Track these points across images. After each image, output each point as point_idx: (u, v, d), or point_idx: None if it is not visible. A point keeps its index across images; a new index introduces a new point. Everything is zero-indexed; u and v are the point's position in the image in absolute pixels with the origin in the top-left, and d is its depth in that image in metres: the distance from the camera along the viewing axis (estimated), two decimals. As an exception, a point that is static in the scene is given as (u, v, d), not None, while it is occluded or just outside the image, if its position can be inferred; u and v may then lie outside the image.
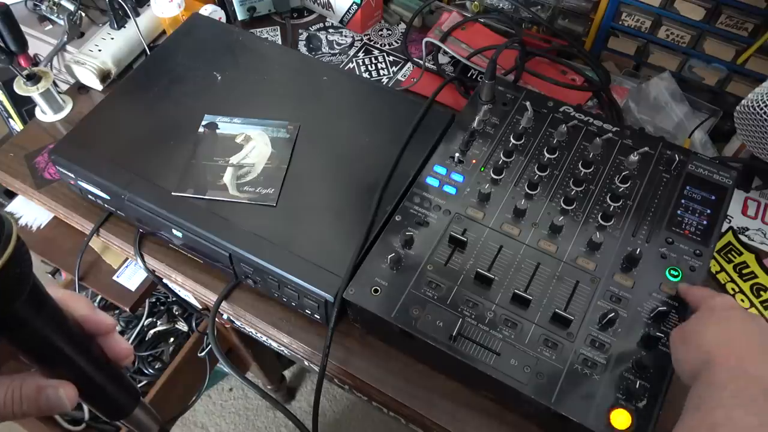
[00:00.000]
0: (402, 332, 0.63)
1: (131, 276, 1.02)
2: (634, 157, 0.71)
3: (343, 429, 1.70)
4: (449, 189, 0.72)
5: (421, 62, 0.98)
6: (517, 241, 0.67)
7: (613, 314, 0.60)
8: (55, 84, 0.94)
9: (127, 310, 1.01)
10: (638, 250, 0.64)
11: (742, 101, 0.63)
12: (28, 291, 0.33)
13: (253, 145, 0.78)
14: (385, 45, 1.04)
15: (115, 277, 1.01)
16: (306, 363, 0.80)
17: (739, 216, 0.84)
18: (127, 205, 0.76)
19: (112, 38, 0.98)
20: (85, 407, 1.35)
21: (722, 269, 0.79)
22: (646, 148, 0.71)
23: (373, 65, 1.01)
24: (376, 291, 0.64)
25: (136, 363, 1.38)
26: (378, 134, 0.79)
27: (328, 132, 0.80)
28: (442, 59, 0.99)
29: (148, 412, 0.43)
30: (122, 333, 1.38)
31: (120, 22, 0.99)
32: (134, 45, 1.00)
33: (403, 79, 0.99)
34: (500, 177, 0.72)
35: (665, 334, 0.60)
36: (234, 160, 0.77)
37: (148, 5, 1.01)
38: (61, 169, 0.80)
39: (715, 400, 0.46)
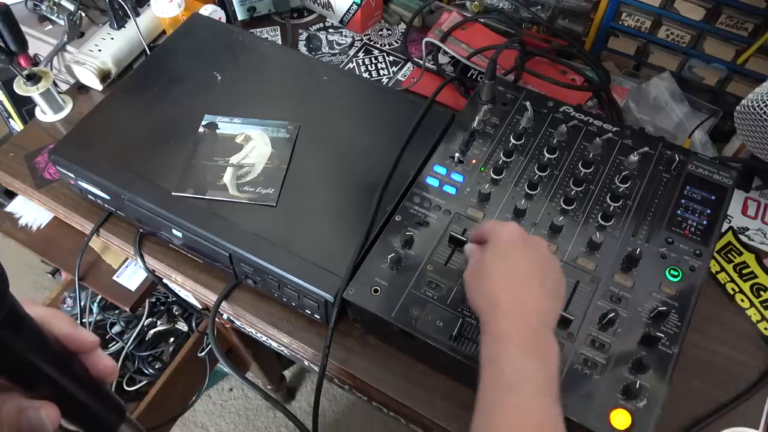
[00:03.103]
0: (402, 332, 0.63)
1: (131, 276, 1.02)
2: (634, 157, 0.71)
3: (343, 429, 1.70)
4: (449, 189, 0.72)
5: (421, 62, 0.98)
6: (517, 241, 0.67)
7: (613, 314, 0.60)
8: (55, 84, 0.94)
9: (127, 310, 1.01)
10: (638, 250, 0.64)
11: (742, 101, 0.63)
12: (5, 312, 0.32)
13: (253, 145, 0.78)
14: (385, 45, 1.04)
15: (115, 277, 1.01)
16: (306, 363, 0.80)
17: (739, 216, 0.84)
18: (127, 205, 0.76)
19: (112, 38, 0.98)
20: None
21: (722, 269, 0.79)
22: (646, 148, 0.71)
23: (373, 65, 1.01)
24: (376, 291, 0.64)
25: (137, 363, 1.38)
26: (378, 134, 0.79)
27: (328, 132, 0.80)
28: (442, 59, 0.99)
29: (135, 428, 0.42)
30: (122, 333, 1.38)
31: (120, 22, 0.99)
32: (134, 45, 1.00)
33: (403, 79, 0.99)
34: (500, 177, 0.72)
35: (665, 334, 0.60)
36: (234, 160, 0.77)
37: (148, 5, 1.01)
38: (61, 169, 0.80)
39: (505, 356, 0.48)
